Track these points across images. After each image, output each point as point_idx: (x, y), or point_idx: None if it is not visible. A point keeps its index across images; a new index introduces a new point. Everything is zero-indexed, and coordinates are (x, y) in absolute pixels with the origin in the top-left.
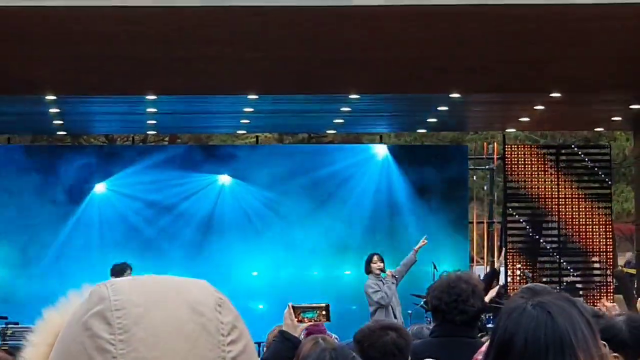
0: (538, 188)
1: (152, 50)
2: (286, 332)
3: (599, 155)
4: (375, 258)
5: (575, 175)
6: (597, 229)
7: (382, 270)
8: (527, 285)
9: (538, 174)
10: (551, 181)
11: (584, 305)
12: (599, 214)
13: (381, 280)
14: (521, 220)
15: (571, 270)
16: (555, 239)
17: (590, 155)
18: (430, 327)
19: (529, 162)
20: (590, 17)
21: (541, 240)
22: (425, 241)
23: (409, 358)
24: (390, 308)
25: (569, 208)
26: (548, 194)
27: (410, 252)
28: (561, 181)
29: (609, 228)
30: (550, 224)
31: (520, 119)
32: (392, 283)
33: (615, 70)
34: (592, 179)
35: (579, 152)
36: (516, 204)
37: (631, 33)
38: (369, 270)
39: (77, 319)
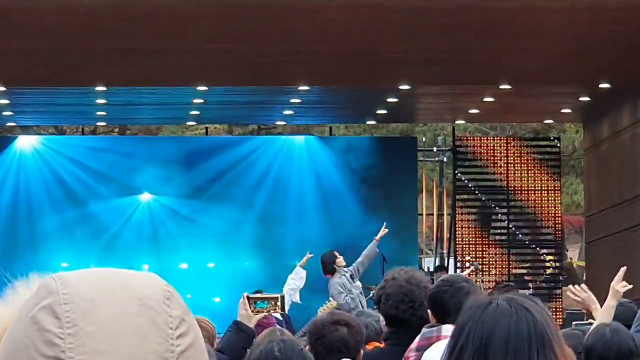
0: (487, 180)
1: (102, 42)
2: (241, 322)
3: (548, 147)
4: (336, 254)
5: (524, 167)
6: (546, 222)
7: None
8: (444, 276)
9: (487, 166)
10: (500, 173)
11: (542, 303)
12: (548, 206)
13: (346, 278)
14: (469, 212)
15: (520, 262)
16: (505, 230)
17: (539, 147)
18: (374, 320)
19: (479, 154)
20: (539, 10)
21: (490, 232)
22: (386, 230)
23: (361, 353)
24: (357, 301)
25: (518, 200)
26: (497, 186)
27: (371, 243)
28: (510, 173)
29: (559, 220)
30: (499, 216)
31: (470, 111)
32: (361, 292)
33: (565, 62)
34: (542, 170)
35: (529, 144)
36: (465, 196)
37: (580, 26)
38: (331, 270)
39: (25, 313)
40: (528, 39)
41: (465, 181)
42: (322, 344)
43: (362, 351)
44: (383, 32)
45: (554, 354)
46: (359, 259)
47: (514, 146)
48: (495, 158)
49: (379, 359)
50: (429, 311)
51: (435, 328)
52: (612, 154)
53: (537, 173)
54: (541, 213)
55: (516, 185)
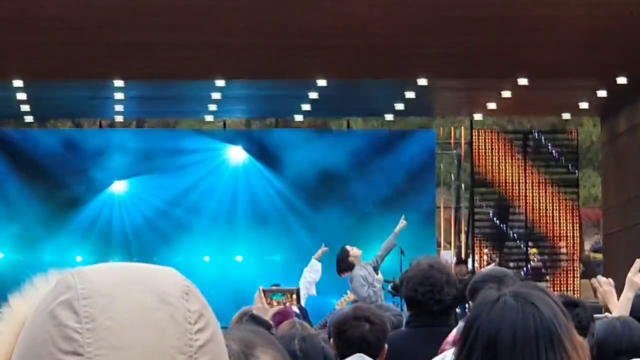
0: (505, 173)
1: (120, 36)
2: (257, 315)
3: (566, 141)
4: (347, 248)
5: (542, 161)
6: (563, 215)
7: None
8: (488, 269)
9: (505, 160)
10: (518, 167)
11: (554, 293)
12: (565, 200)
13: (367, 271)
14: (488, 205)
15: (537, 255)
16: (522, 224)
17: (557, 141)
18: (393, 314)
19: (496, 148)
20: (557, 4)
21: (508, 226)
22: (404, 222)
23: (385, 348)
24: (379, 295)
25: (535, 193)
26: (515, 180)
27: (390, 235)
28: (528, 167)
29: (576, 214)
30: (517, 210)
31: (488, 105)
32: (382, 288)
33: (582, 56)
34: (559, 164)
35: (546, 138)
36: (483, 190)
37: (598, 20)
38: (347, 266)
39: (43, 308)
40: (546, 33)
41: (483, 174)
42: (343, 339)
43: (385, 346)
44: (401, 26)
45: (563, 348)
46: (378, 253)
47: (531, 139)
48: (513, 151)
49: (400, 341)
50: (470, 302)
51: None
52: (629, 147)
53: (555, 166)
54: (559, 206)
55: (534, 178)
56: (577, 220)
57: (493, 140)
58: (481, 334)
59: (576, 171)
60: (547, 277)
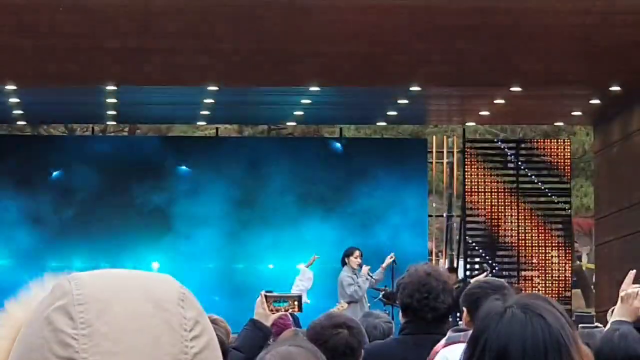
0: (497, 182)
1: (113, 41)
2: (258, 321)
3: (558, 149)
4: (357, 253)
5: (534, 170)
6: (556, 224)
7: (360, 266)
8: (485, 279)
9: (497, 168)
10: (510, 175)
11: (557, 303)
12: (557, 209)
13: (356, 274)
14: (480, 214)
15: (530, 264)
16: (514, 233)
17: (549, 150)
18: (383, 321)
19: (489, 156)
20: (550, 13)
21: (500, 235)
22: (393, 257)
23: (362, 353)
24: (363, 301)
25: (527, 202)
26: (507, 188)
27: (378, 270)
28: (520, 175)
29: (568, 223)
30: (509, 219)
31: (481, 113)
32: (366, 279)
33: (576, 65)
34: (551, 173)
35: (539, 147)
36: (475, 198)
37: (591, 29)
38: (345, 262)
39: (39, 313)
40: (539, 42)
41: (475, 183)
42: (326, 349)
43: (362, 351)
44: (394, 33)
45: (570, 359)
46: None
47: (524, 148)
48: (505, 160)
49: (393, 348)
50: (464, 309)
51: (462, 333)
52: (622, 156)
53: (547, 175)
54: (551, 215)
55: (526, 187)
56: (569, 230)
57: (485, 148)
58: (489, 348)
59: (568, 180)
60: (539, 287)
